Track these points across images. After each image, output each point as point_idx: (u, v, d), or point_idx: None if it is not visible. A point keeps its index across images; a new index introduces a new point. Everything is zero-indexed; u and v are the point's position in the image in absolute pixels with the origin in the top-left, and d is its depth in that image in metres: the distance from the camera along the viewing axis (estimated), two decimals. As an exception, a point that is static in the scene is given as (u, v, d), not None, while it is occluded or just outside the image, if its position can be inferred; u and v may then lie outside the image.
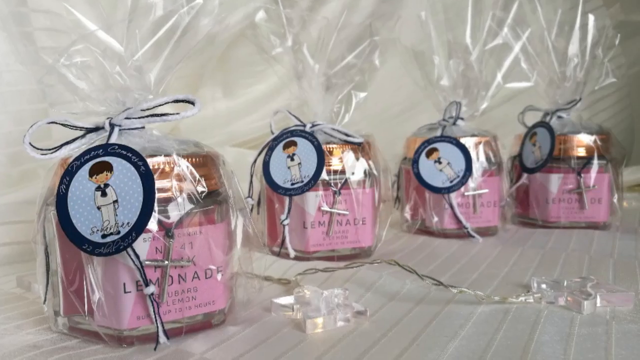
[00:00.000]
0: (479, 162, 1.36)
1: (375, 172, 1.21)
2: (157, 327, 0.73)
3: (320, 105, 1.26)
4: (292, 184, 1.14)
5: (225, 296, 0.80)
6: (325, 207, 1.16)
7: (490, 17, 1.38)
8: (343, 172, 1.17)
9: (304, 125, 1.22)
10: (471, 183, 1.34)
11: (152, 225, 0.71)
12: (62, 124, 0.77)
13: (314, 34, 1.24)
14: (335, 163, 1.17)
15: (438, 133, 1.39)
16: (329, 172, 1.16)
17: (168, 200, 0.73)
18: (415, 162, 1.36)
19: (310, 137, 1.16)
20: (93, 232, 0.69)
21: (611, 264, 1.10)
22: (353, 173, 1.17)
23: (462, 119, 1.41)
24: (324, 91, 1.25)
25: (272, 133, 1.23)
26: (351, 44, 1.26)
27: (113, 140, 0.75)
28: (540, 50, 1.46)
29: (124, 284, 0.71)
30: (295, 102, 1.31)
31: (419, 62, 1.44)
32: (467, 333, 0.78)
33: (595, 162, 1.40)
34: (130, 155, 0.71)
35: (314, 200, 1.16)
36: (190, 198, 0.74)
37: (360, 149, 1.21)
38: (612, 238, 1.32)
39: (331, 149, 1.17)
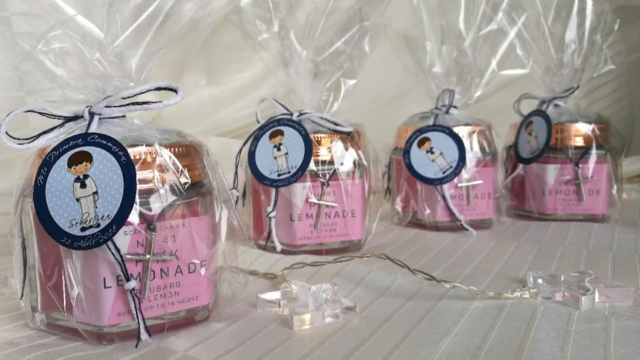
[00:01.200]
0: (473, 152, 1.36)
1: (365, 162, 1.22)
2: (139, 323, 0.73)
3: (307, 93, 1.25)
4: (279, 175, 1.14)
5: (209, 291, 0.81)
6: (313, 199, 1.16)
7: (484, 2, 1.38)
8: (332, 162, 1.17)
9: (291, 114, 1.22)
10: (465, 174, 1.35)
11: (134, 217, 0.71)
12: (39, 113, 0.77)
13: (302, 19, 1.24)
14: (323, 153, 1.18)
15: (430, 122, 1.39)
16: (317, 163, 1.16)
17: (150, 192, 0.73)
18: (406, 152, 1.36)
19: (298, 126, 1.16)
20: (72, 224, 0.69)
21: (610, 258, 1.11)
22: (342, 163, 1.17)
23: (455, 107, 1.41)
24: (311, 78, 1.25)
25: (258, 122, 1.22)
26: (340, 29, 1.25)
27: (93, 129, 0.75)
28: (536, 36, 1.46)
29: (104, 279, 0.72)
30: (282, 90, 1.31)
31: (411, 48, 1.45)
32: (461, 330, 0.78)
33: (594, 152, 1.40)
34: (110, 145, 0.71)
35: (301, 191, 1.17)
36: (172, 189, 0.75)
37: (350, 138, 1.21)
38: (611, 231, 1.33)
39: (319, 139, 1.17)
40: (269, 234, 1.17)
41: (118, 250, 0.71)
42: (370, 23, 1.26)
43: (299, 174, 1.13)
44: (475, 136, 1.37)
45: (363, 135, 1.27)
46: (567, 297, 0.86)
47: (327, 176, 1.16)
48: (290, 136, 1.16)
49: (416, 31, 1.43)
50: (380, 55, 1.54)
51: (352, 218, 1.20)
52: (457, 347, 0.73)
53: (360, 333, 0.77)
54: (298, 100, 1.27)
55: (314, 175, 1.16)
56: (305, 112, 1.22)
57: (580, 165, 1.40)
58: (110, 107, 0.77)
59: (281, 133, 1.16)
